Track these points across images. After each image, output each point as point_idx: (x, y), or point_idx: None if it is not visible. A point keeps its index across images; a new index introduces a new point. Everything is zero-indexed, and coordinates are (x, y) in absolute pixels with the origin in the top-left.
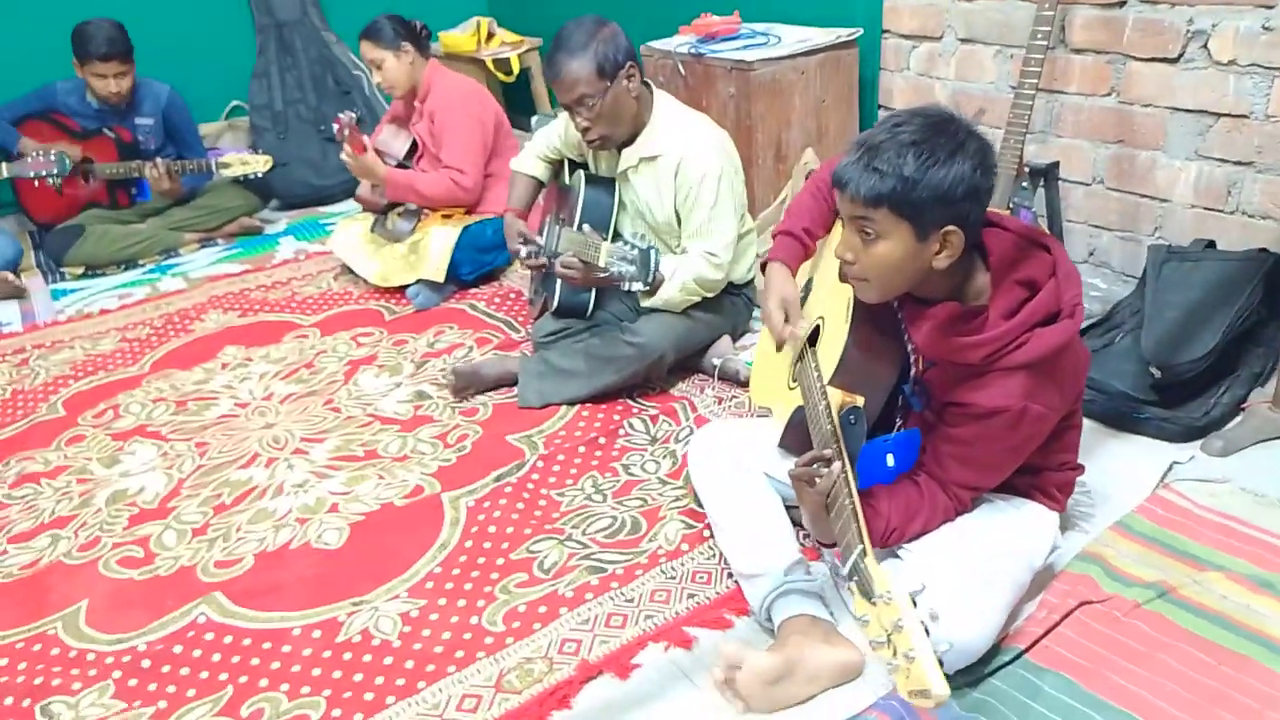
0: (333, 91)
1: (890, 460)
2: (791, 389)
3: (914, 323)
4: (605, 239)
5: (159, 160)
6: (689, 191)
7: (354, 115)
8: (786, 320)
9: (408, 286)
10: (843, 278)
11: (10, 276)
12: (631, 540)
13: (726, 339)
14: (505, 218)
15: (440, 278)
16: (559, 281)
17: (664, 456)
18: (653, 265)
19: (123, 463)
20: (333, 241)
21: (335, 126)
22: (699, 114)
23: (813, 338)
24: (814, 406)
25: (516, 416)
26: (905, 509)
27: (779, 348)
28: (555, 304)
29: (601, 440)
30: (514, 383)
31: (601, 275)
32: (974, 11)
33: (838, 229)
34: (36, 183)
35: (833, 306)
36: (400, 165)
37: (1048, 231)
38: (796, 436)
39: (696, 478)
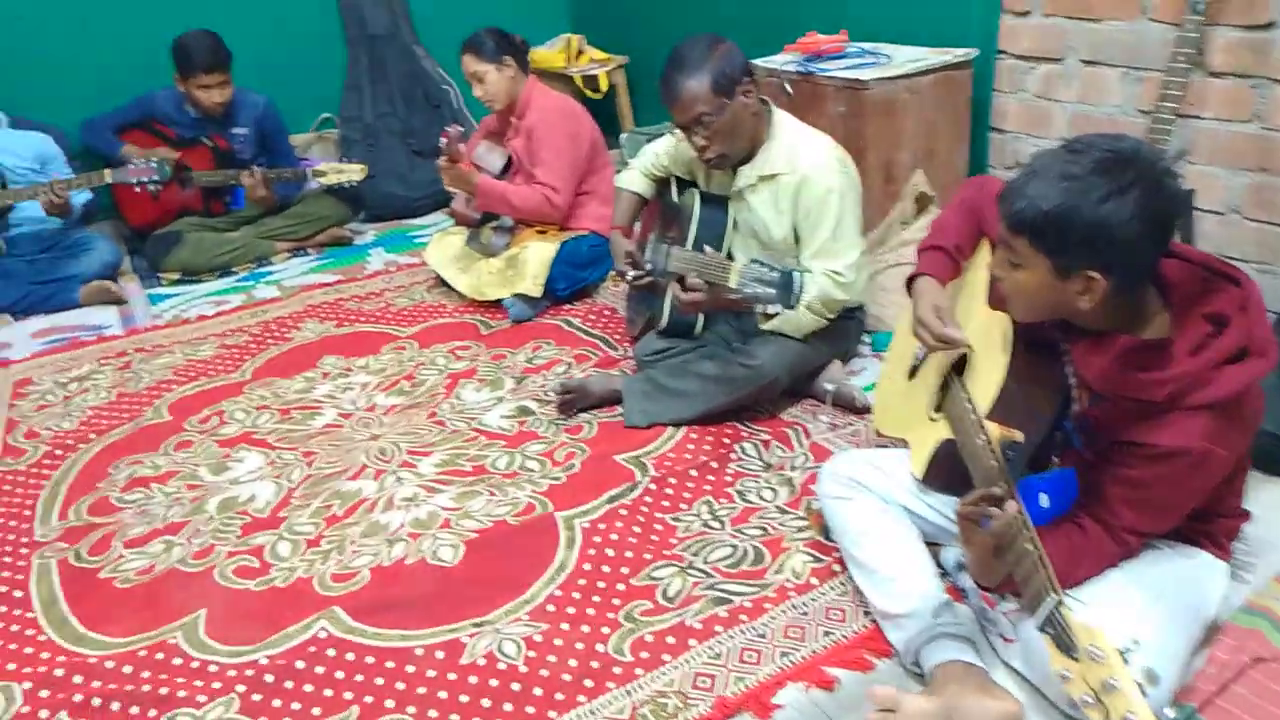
0: (422, 105)
1: (1045, 501)
2: (934, 420)
3: (1082, 355)
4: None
5: (255, 168)
6: (811, 210)
7: (461, 129)
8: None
9: (501, 300)
10: (992, 300)
11: (111, 285)
12: (756, 571)
13: (837, 363)
14: (612, 236)
15: (538, 292)
16: (666, 300)
17: (780, 484)
18: (796, 288)
19: (231, 469)
20: (428, 253)
21: (443, 140)
22: (819, 131)
23: (958, 366)
24: (969, 440)
25: (622, 436)
26: (1069, 553)
27: (912, 374)
28: (663, 323)
29: (713, 464)
30: (617, 401)
31: (733, 297)
32: (1100, 32)
33: (983, 252)
34: (137, 189)
35: (983, 334)
36: (496, 179)
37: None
38: (944, 471)
39: (830, 511)
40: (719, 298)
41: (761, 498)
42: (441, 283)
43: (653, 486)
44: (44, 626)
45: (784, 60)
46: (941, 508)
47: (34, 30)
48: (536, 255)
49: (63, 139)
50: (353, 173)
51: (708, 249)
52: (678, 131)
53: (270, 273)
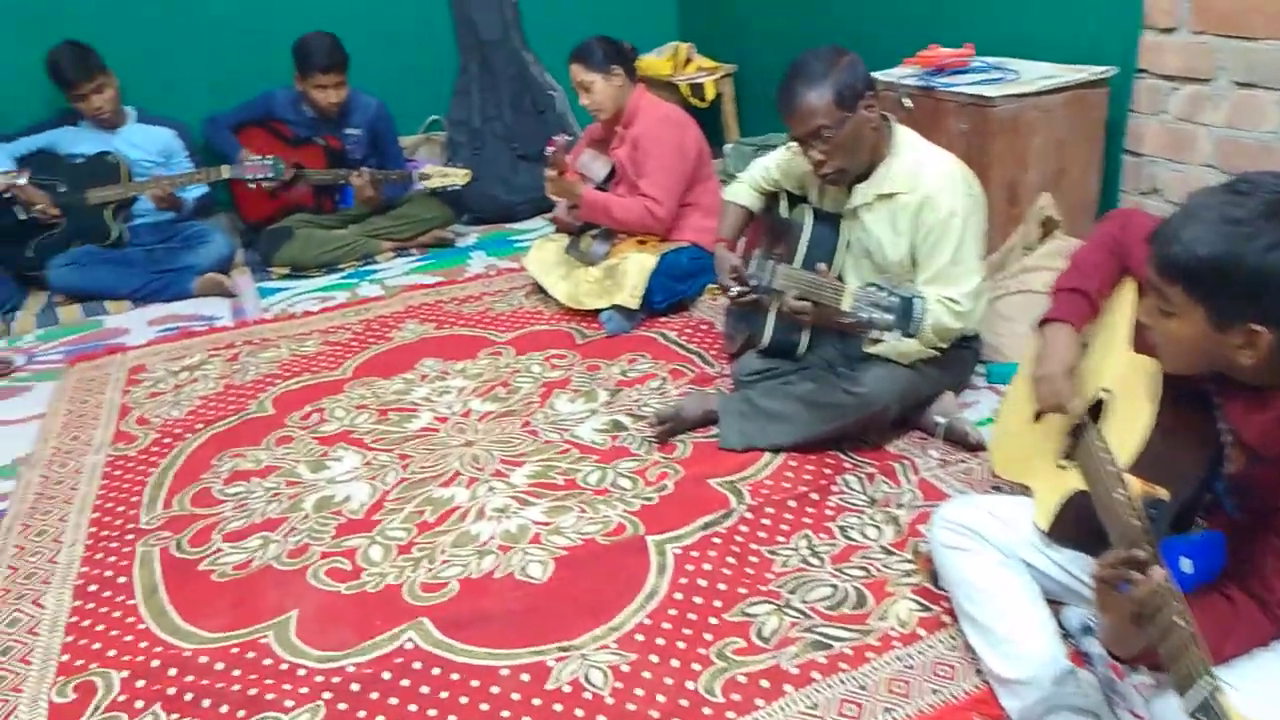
0: (528, 110)
1: (1188, 566)
2: (1062, 468)
3: (1240, 411)
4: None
5: (364, 169)
6: (931, 232)
7: (569, 140)
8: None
9: (599, 310)
10: (1139, 345)
11: (223, 279)
12: (858, 615)
13: (950, 395)
14: (716, 250)
15: (636, 304)
16: (769, 318)
17: (885, 522)
18: (917, 315)
19: (329, 468)
20: (528, 259)
21: (549, 149)
22: (943, 150)
23: (1093, 411)
24: (1105, 494)
25: (717, 458)
26: (1217, 625)
27: (1038, 416)
28: (765, 341)
29: (813, 496)
30: (713, 422)
31: (844, 321)
32: (1257, 51)
33: (1127, 289)
34: (251, 185)
35: (1125, 379)
36: (598, 189)
37: None
38: (1074, 526)
39: (942, 560)
40: (828, 319)
41: (865, 535)
42: (540, 289)
43: (748, 515)
44: (144, 615)
45: (903, 74)
46: (1068, 565)
47: (165, 28)
48: (635, 267)
49: (186, 134)
50: (457, 177)
51: (821, 267)
52: (793, 145)
53: (374, 271)
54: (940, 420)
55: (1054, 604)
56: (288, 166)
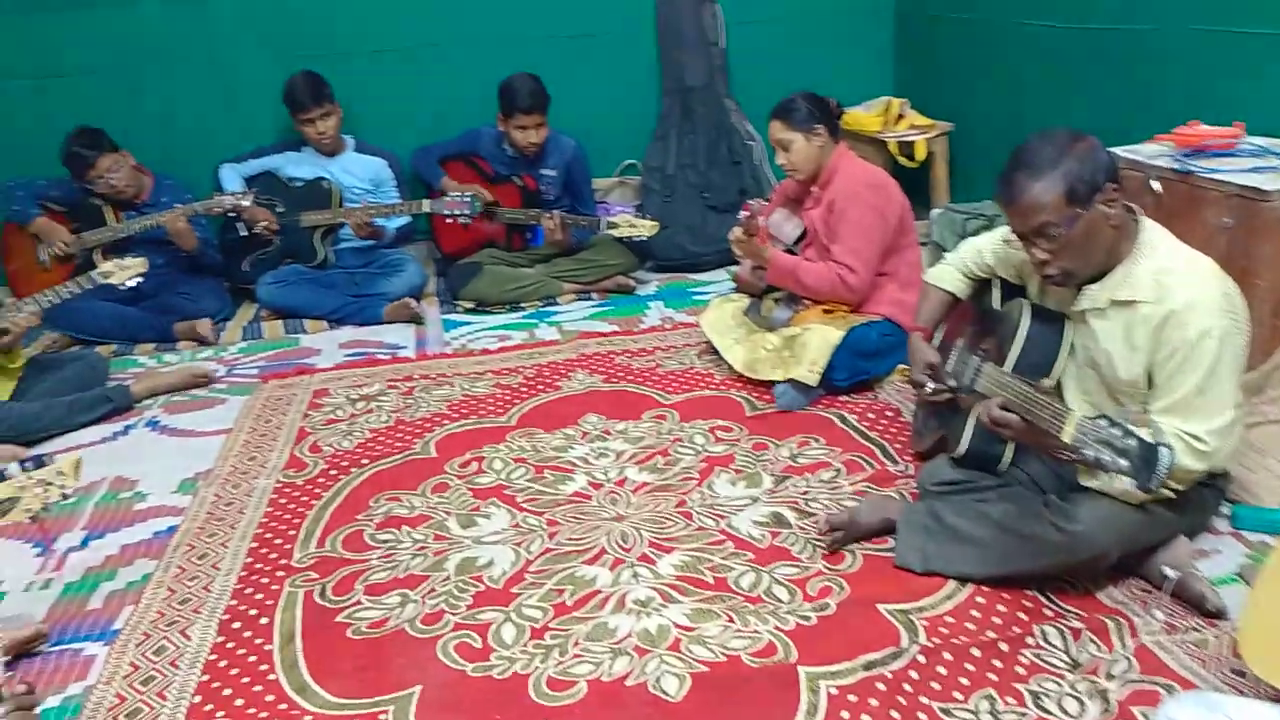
0: (724, 160)
1: None
2: None
3: None
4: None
5: (555, 212)
6: (1176, 353)
7: (763, 203)
8: None
9: (773, 382)
10: None
11: (412, 303)
12: None
13: (1183, 541)
14: (911, 338)
15: (815, 380)
16: (968, 424)
17: (1090, 695)
18: (1161, 469)
19: (478, 525)
20: (704, 318)
21: (743, 213)
22: (1197, 253)
23: None
24: None
25: (891, 578)
26: None
27: None
28: (961, 449)
29: (1002, 646)
30: (890, 531)
31: (1061, 453)
32: None
33: None
34: (449, 219)
35: None
36: (787, 250)
37: None
38: None
39: None
40: (1040, 440)
41: (1063, 709)
42: (713, 350)
43: (921, 659)
44: (276, 664)
45: (1154, 152)
46: None
47: (384, 64)
48: (818, 339)
49: (396, 164)
50: (644, 229)
51: (1047, 383)
52: (1013, 236)
53: (554, 313)
54: (1170, 573)
55: None
56: (483, 203)
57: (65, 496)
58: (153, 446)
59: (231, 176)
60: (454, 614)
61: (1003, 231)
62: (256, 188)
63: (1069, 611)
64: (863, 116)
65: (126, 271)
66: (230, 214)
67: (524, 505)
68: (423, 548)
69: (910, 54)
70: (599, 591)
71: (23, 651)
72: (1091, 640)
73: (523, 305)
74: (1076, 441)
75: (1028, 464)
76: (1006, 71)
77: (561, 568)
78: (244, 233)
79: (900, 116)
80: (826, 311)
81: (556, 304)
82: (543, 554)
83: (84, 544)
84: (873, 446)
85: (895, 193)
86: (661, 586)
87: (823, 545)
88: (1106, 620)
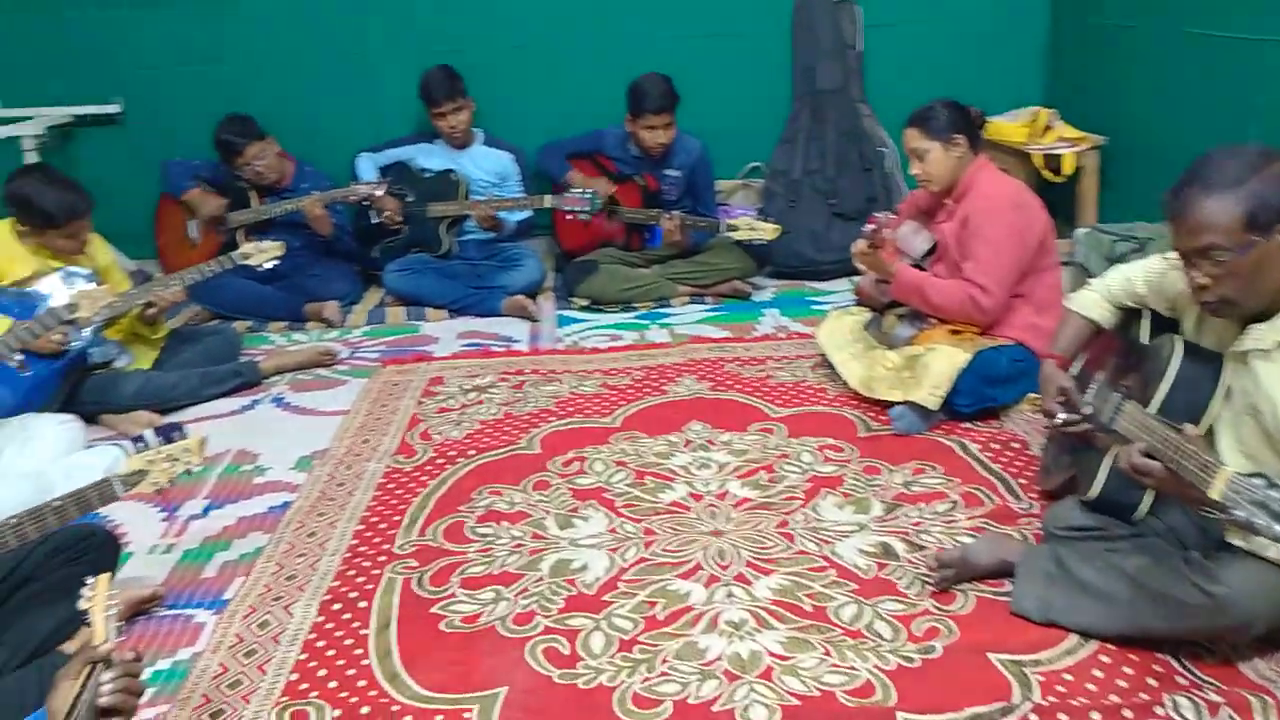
0: (854, 166)
1: None
2: None
3: None
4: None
5: (675, 213)
6: None
7: (891, 216)
8: None
9: (890, 403)
10: None
11: (528, 303)
12: None
13: None
14: (1044, 365)
15: (936, 405)
16: (1103, 464)
17: None
18: None
19: (575, 527)
20: (820, 330)
21: (869, 226)
22: None
23: None
24: None
25: (1005, 625)
26: None
27: None
28: (1094, 492)
29: (1127, 713)
30: (1007, 574)
31: (1209, 511)
32: None
33: None
34: (569, 217)
35: None
36: (914, 264)
37: None
38: None
39: None
40: (1184, 492)
41: None
42: (828, 365)
43: (1034, 718)
44: (371, 650)
45: None
46: None
47: (517, 59)
48: (942, 362)
49: (522, 159)
50: (764, 232)
51: (1190, 429)
52: (1172, 255)
53: (667, 315)
54: None
55: None
56: (603, 201)
57: (189, 472)
58: (276, 422)
59: (367, 166)
60: (545, 616)
61: (1156, 259)
62: (389, 177)
63: (1206, 682)
64: (1007, 126)
65: (264, 254)
66: (364, 202)
67: (622, 510)
68: (519, 545)
69: (1064, 61)
70: (691, 608)
71: (140, 611)
72: (1231, 717)
73: (636, 305)
74: (1227, 500)
75: (1168, 514)
76: (1171, 84)
77: (655, 579)
78: (375, 220)
79: (1048, 128)
80: (953, 332)
81: (670, 306)
82: (637, 563)
83: (205, 513)
84: (994, 479)
85: (1037, 210)
86: (757, 609)
87: (931, 582)
88: (1250, 697)
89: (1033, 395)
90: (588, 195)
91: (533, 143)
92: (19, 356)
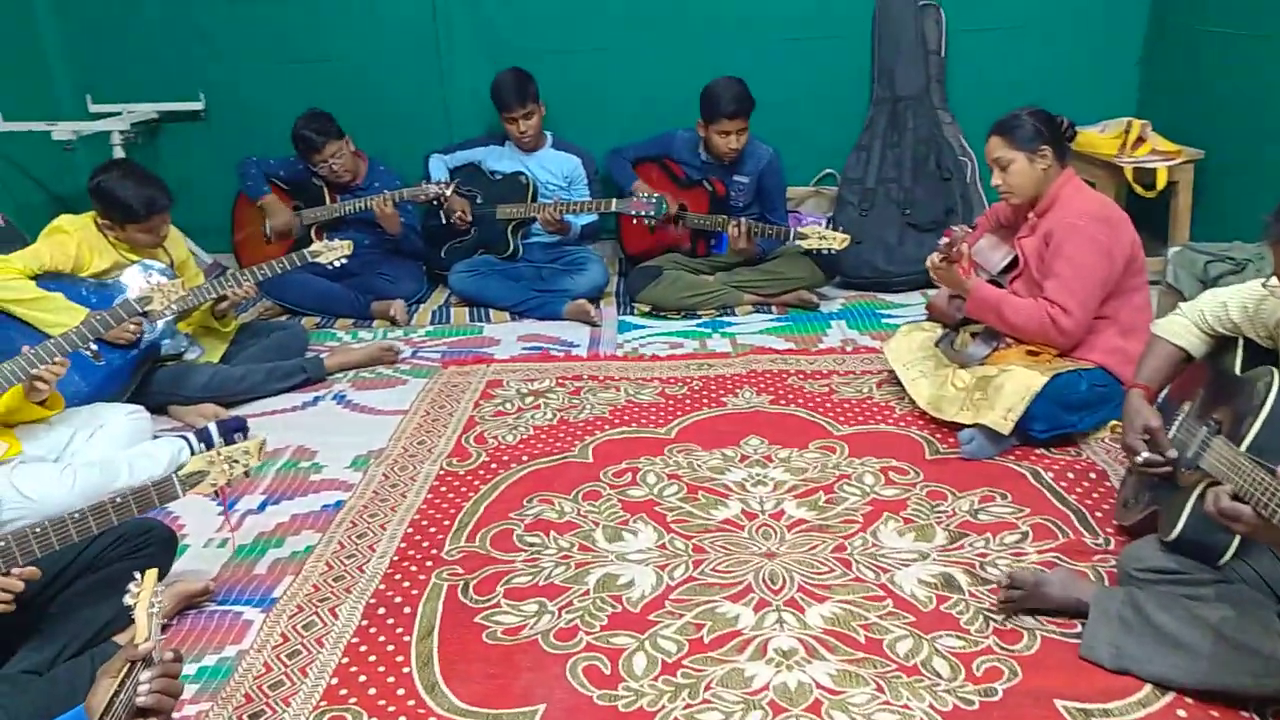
0: (931, 175)
1: None
2: None
3: None
4: None
5: (743, 220)
6: None
7: (968, 230)
8: None
9: (960, 425)
10: None
11: (590, 308)
12: None
13: None
14: (1129, 396)
15: (1007, 430)
16: (1187, 505)
17: None
18: None
19: (624, 541)
20: (889, 346)
21: (944, 239)
22: None
23: None
24: None
25: (1073, 669)
26: None
27: None
28: (1175, 532)
29: None
30: (1080, 614)
31: None
32: None
33: None
34: (634, 220)
35: None
36: (992, 280)
37: None
38: None
39: None
40: (1278, 538)
41: None
42: (896, 381)
43: None
44: (412, 658)
45: None
46: None
47: (590, 61)
48: (1017, 385)
49: (590, 163)
50: (834, 241)
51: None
52: (1271, 281)
53: (730, 324)
54: None
55: None
56: (670, 206)
57: (247, 474)
58: (336, 419)
59: (438, 166)
60: (588, 633)
61: (1254, 284)
62: (459, 178)
63: None
64: (1096, 138)
65: (334, 252)
66: (433, 202)
67: (673, 526)
68: (566, 556)
69: (1159, 69)
70: (739, 633)
71: (190, 605)
72: None
73: (699, 313)
74: None
75: (1257, 559)
76: (1275, 95)
77: (703, 600)
78: (443, 221)
79: (1140, 140)
80: (1030, 353)
81: (733, 315)
82: (685, 582)
83: (261, 508)
84: (1068, 511)
85: (1125, 228)
86: (808, 638)
87: (997, 600)
88: None
89: (1114, 422)
90: (654, 199)
91: (603, 144)
92: (94, 346)
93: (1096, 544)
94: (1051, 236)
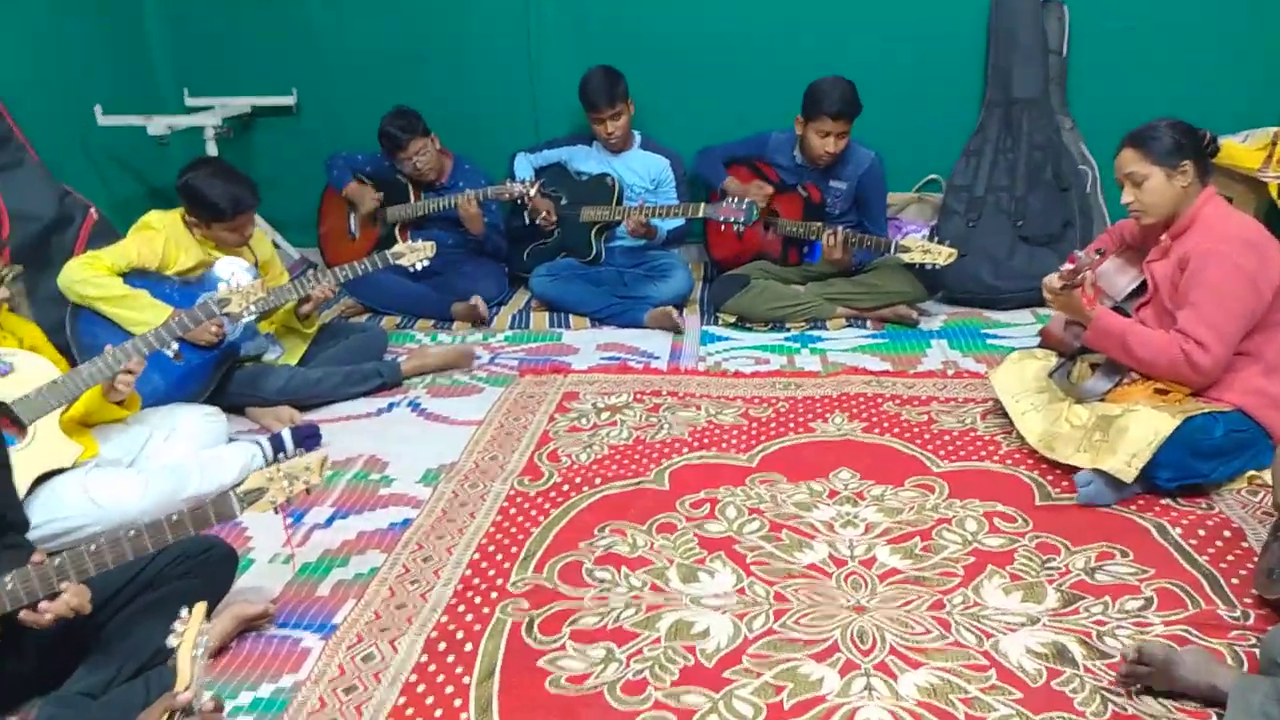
0: (1048, 184)
1: None
2: None
3: None
4: None
5: (839, 228)
6: None
7: (1095, 257)
8: None
9: (1075, 468)
10: None
11: (674, 314)
12: None
13: None
14: (1279, 456)
15: (1130, 478)
16: None
17: None
18: None
19: (700, 582)
20: (997, 376)
21: (1067, 265)
22: None
23: None
24: None
25: None
26: None
27: None
28: None
29: None
30: (1216, 703)
31: None
32: None
33: None
34: (723, 227)
35: None
36: (1115, 307)
37: None
38: None
39: None
40: None
41: None
42: (1003, 413)
43: None
44: (470, 701)
45: None
46: None
47: (683, 60)
48: (1144, 428)
49: (679, 165)
50: (939, 256)
51: None
52: None
53: (820, 339)
54: None
55: None
56: (762, 211)
57: (308, 491)
58: (409, 428)
59: (524, 166)
60: (658, 688)
61: None
62: (544, 179)
63: None
64: (1237, 149)
65: (416, 254)
66: (517, 202)
67: (753, 568)
68: (638, 597)
69: None
70: (823, 699)
71: (249, 628)
72: None
73: (788, 325)
74: None
75: None
76: None
77: (784, 658)
78: (527, 222)
79: None
80: (1159, 391)
81: (825, 329)
82: (765, 634)
83: (328, 522)
84: (1199, 576)
85: (1274, 254)
86: (899, 710)
87: (1116, 679)
88: None
89: (1252, 473)
90: (744, 205)
91: (694, 145)
92: (175, 345)
93: (1233, 617)
94: (1188, 261)
